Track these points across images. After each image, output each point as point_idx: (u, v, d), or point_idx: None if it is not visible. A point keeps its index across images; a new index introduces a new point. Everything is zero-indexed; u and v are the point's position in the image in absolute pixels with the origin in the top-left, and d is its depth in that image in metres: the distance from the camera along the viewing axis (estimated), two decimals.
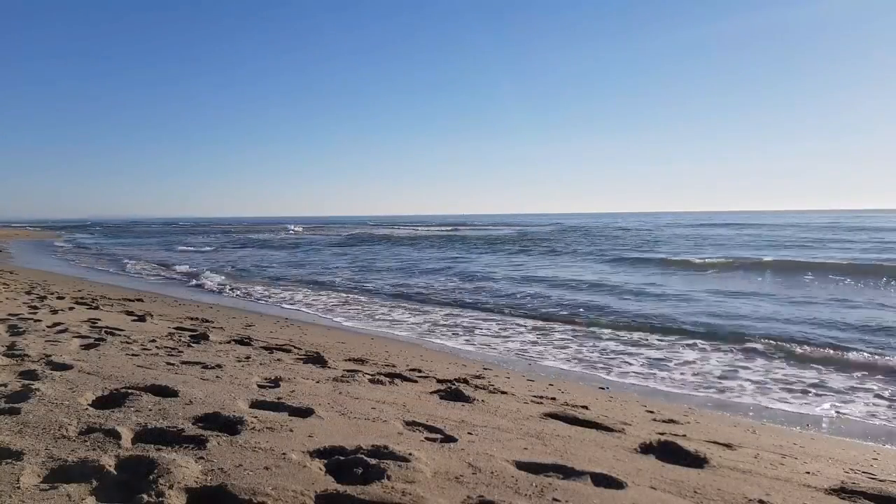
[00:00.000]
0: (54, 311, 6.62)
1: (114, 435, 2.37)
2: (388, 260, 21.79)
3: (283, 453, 2.31)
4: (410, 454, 2.38)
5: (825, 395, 5.17)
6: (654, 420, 3.82)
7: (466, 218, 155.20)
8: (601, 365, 6.29)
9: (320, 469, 2.21)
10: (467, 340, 7.53)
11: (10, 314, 6.10)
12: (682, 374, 5.91)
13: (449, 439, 2.73)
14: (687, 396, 5.15)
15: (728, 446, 3.14)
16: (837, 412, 4.70)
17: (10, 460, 2.06)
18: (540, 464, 2.45)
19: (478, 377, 4.81)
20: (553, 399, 4.19)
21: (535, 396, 4.22)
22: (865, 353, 6.44)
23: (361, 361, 5.05)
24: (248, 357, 4.62)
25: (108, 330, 5.42)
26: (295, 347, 5.46)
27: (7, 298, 7.72)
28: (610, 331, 8.10)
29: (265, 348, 5.25)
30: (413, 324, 8.73)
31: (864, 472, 2.91)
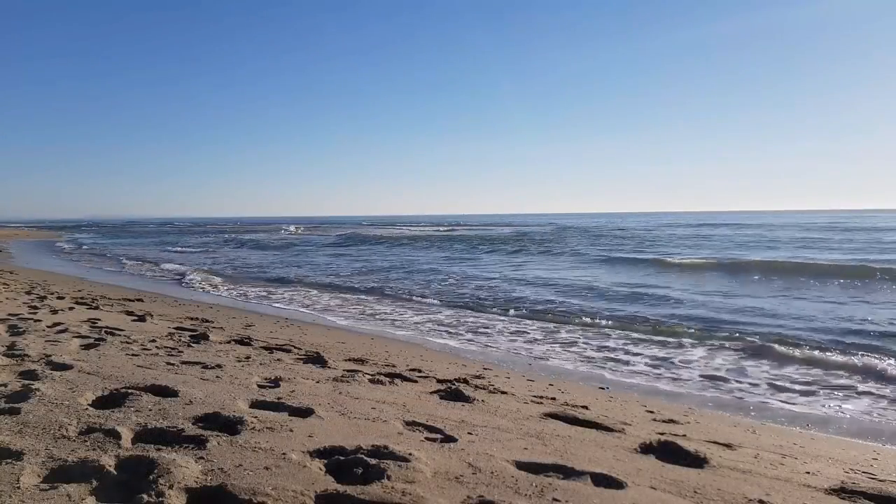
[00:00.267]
0: (54, 311, 6.61)
1: (114, 435, 2.37)
2: (387, 260, 21.80)
3: (283, 453, 2.31)
4: (410, 454, 2.37)
5: (825, 394, 5.17)
6: (654, 420, 3.82)
7: (461, 218, 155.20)
8: (601, 365, 6.29)
9: (320, 469, 2.21)
10: (467, 340, 7.53)
11: (10, 314, 6.09)
12: (682, 373, 5.91)
13: (449, 439, 2.73)
14: (687, 396, 5.15)
15: (728, 446, 3.14)
16: (837, 412, 4.71)
17: (10, 460, 2.06)
18: (540, 464, 2.45)
19: (478, 377, 4.81)
20: (553, 399, 4.19)
21: (535, 396, 4.22)
22: (865, 354, 6.44)
23: (361, 361, 5.05)
24: (248, 357, 4.62)
25: (108, 330, 5.42)
26: (295, 347, 5.46)
27: (7, 298, 7.71)
28: (610, 331, 8.11)
29: (265, 348, 5.25)
30: (413, 323, 8.74)
31: (864, 472, 2.91)
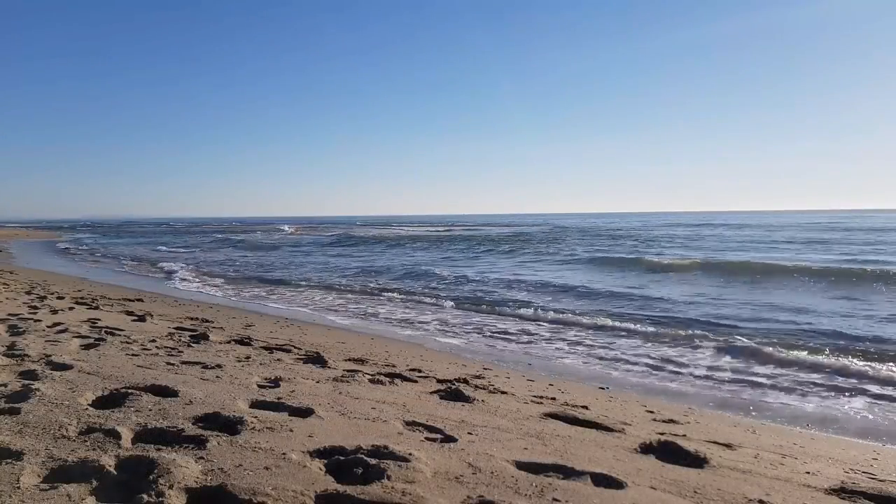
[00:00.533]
0: (54, 311, 6.61)
1: (114, 435, 2.37)
2: (386, 260, 21.81)
3: (283, 453, 2.31)
4: (410, 454, 2.37)
5: (825, 395, 5.17)
6: (654, 420, 3.82)
7: (461, 218, 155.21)
8: (601, 364, 6.29)
9: (320, 469, 2.21)
10: (467, 340, 7.53)
11: (10, 314, 6.09)
12: (682, 373, 5.91)
13: (449, 439, 2.73)
14: (687, 396, 5.15)
15: (728, 446, 3.14)
16: (837, 412, 4.71)
17: (10, 460, 2.06)
18: (540, 464, 2.45)
19: (478, 377, 4.81)
20: (553, 399, 4.19)
21: (535, 396, 4.22)
22: (865, 354, 6.44)
23: (361, 361, 5.05)
24: (248, 357, 4.62)
25: (108, 330, 5.42)
26: (295, 347, 5.46)
27: (7, 298, 7.71)
28: (609, 331, 8.11)
29: (265, 348, 5.25)
30: (413, 323, 8.74)
31: (864, 472, 2.91)
